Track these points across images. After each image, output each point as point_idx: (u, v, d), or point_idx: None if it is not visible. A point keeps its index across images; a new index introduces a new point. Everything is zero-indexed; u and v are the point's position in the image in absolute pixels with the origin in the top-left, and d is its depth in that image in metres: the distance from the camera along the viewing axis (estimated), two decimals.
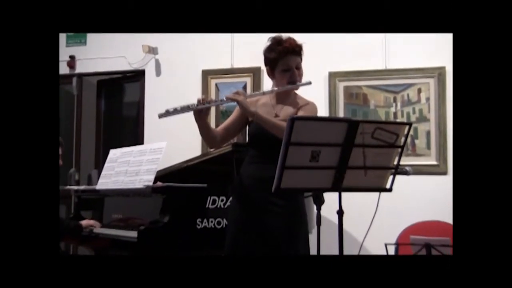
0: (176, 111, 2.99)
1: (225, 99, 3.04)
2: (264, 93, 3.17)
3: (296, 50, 3.12)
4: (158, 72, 5.97)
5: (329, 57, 5.35)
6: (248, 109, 2.99)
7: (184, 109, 3.00)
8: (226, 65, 5.66)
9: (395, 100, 5.21)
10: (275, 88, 3.15)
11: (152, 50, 5.89)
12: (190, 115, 3.08)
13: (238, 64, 5.61)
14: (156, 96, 5.87)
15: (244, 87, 5.49)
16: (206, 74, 5.71)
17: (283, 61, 3.10)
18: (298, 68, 3.13)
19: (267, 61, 3.17)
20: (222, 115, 5.58)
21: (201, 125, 3.07)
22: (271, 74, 3.18)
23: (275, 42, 3.13)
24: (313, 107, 3.17)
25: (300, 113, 3.10)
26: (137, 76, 6.10)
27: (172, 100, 5.71)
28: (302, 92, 3.24)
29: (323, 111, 5.23)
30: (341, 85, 5.32)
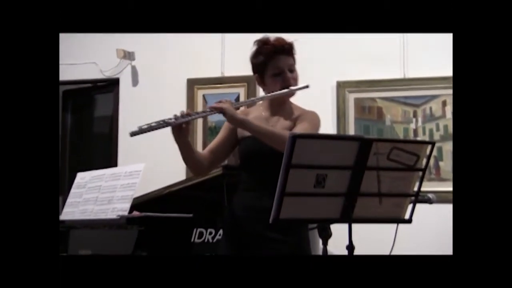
0: (151, 128, 2.98)
1: (208, 110, 3.05)
2: (253, 101, 3.18)
3: (286, 48, 3.13)
4: (135, 82, 5.98)
5: (337, 64, 5.38)
6: (235, 116, 2.98)
7: (160, 124, 2.99)
8: (216, 73, 5.68)
9: (415, 114, 5.23)
10: (267, 95, 3.15)
11: (128, 55, 5.91)
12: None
13: (229, 72, 5.63)
14: (133, 110, 5.88)
15: (237, 99, 5.51)
16: (192, 84, 5.73)
17: (273, 64, 3.11)
18: (292, 70, 3.14)
19: (255, 68, 3.17)
20: (210, 132, 5.60)
21: (182, 145, 3.06)
22: (261, 82, 3.19)
23: (261, 44, 3.15)
24: (313, 116, 3.17)
25: (299, 125, 3.10)
26: (110, 85, 6.12)
27: (152, 114, 5.72)
28: (304, 105, 3.25)
29: (330, 128, 5.25)
30: (351, 97, 5.34)
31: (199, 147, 5.63)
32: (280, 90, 3.11)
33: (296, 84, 3.14)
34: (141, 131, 2.99)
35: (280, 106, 3.19)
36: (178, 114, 3.01)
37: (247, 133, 3.10)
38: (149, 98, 5.84)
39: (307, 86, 3.14)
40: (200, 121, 5.68)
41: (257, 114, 3.21)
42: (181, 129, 3.02)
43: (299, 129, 3.06)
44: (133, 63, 5.97)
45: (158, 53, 5.88)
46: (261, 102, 3.26)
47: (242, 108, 3.36)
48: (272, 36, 3.17)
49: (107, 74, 6.00)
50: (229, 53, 5.64)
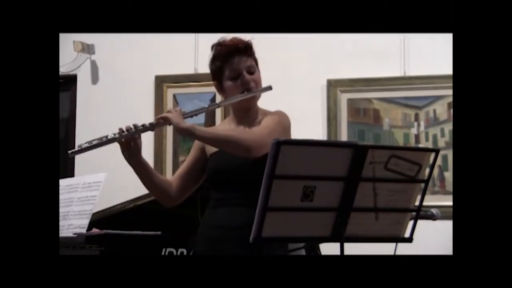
0: (91, 146, 3.06)
1: (154, 122, 3.09)
2: (206, 109, 3.20)
3: (240, 47, 3.17)
4: (94, 79, 5.98)
5: (328, 60, 5.40)
6: (181, 125, 2.99)
7: (103, 141, 3.05)
8: (188, 70, 5.68)
9: (417, 118, 5.26)
10: (221, 102, 3.19)
11: (87, 49, 5.90)
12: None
13: (204, 69, 5.60)
14: (92, 111, 5.87)
15: (213, 99, 5.51)
16: (161, 82, 5.73)
17: (229, 67, 3.16)
18: (252, 72, 3.17)
19: (213, 74, 3.23)
20: (182, 138, 5.57)
21: (135, 166, 3.10)
22: (220, 89, 3.23)
23: (216, 46, 3.21)
24: (280, 112, 3.20)
25: (262, 122, 3.12)
26: (66, 83, 6.10)
27: (114, 116, 5.75)
28: (289, 107, 3.27)
29: (319, 133, 5.27)
30: (344, 98, 5.36)
31: (169, 156, 5.64)
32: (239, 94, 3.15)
33: (258, 86, 3.17)
34: (80, 150, 3.07)
35: (246, 114, 3.21)
36: (123, 128, 3.04)
37: (213, 149, 3.15)
38: (111, 98, 5.83)
39: (269, 88, 3.17)
40: (169, 128, 5.66)
41: (222, 128, 3.29)
42: (128, 146, 3.06)
43: (262, 125, 3.08)
44: (93, 57, 5.96)
45: (122, 46, 5.87)
46: (230, 115, 3.28)
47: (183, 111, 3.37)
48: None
49: (63, 70, 5.97)
50: (204, 46, 5.62)
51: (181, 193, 3.24)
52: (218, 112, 5.51)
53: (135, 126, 3.06)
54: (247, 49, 3.18)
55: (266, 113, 3.23)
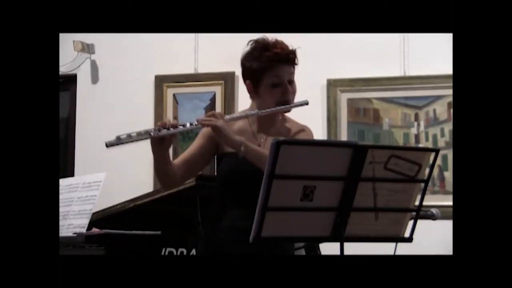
0: (130, 139, 3.01)
1: (195, 123, 3.04)
2: (247, 116, 3.14)
3: (290, 57, 3.11)
4: (94, 78, 5.97)
5: (328, 59, 5.40)
6: (233, 138, 2.97)
7: (141, 135, 3.01)
8: (188, 70, 5.67)
9: (417, 118, 5.26)
10: (263, 111, 3.10)
11: (87, 48, 5.89)
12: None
13: (204, 68, 5.64)
14: (92, 111, 5.87)
15: (212, 99, 5.51)
16: (161, 82, 5.73)
17: (273, 73, 3.09)
18: (291, 82, 3.13)
19: (249, 74, 3.15)
20: (181, 137, 5.58)
21: (160, 158, 3.07)
22: (253, 90, 3.16)
23: (260, 47, 3.12)
24: (310, 134, 3.18)
25: None
26: (66, 83, 6.09)
27: (114, 116, 5.75)
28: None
29: (319, 133, 5.26)
30: (343, 97, 5.36)
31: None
32: (276, 103, 3.09)
33: (293, 97, 3.14)
34: (118, 141, 3.01)
35: (270, 119, 3.18)
36: (162, 125, 3.00)
37: (230, 148, 3.09)
38: (111, 98, 5.83)
39: (306, 103, 3.13)
40: None
41: (242, 126, 3.20)
42: (163, 141, 3.03)
43: None
44: (93, 57, 5.95)
45: (122, 46, 5.86)
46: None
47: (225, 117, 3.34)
48: (271, 37, 3.16)
49: (63, 69, 5.97)
50: (204, 46, 5.64)
51: (183, 178, 3.23)
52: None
53: (174, 125, 3.02)
54: (293, 59, 3.13)
55: (292, 124, 3.20)
